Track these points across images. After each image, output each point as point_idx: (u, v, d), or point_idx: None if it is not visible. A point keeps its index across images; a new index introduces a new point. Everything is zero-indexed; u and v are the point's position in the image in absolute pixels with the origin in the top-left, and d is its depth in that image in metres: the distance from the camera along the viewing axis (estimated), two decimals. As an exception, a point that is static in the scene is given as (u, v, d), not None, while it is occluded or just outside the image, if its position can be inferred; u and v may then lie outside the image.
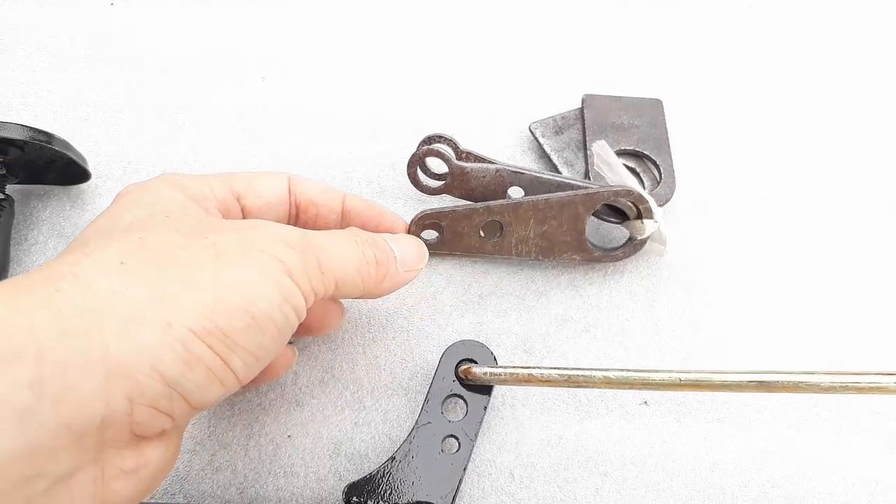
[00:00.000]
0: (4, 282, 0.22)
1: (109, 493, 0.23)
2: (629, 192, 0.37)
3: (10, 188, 0.40)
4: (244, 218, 0.32)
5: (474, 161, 0.40)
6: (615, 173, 0.38)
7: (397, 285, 0.32)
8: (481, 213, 0.38)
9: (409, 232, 0.38)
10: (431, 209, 0.38)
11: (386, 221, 0.36)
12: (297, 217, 0.34)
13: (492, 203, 0.38)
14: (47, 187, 0.43)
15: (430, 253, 0.37)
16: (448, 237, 0.39)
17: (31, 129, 0.38)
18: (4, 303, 0.21)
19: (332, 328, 0.36)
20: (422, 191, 0.40)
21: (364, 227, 0.34)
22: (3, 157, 0.40)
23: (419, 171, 0.40)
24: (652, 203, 0.37)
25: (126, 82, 0.47)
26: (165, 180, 0.30)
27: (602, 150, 0.38)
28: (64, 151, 0.40)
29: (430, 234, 0.39)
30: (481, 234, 0.39)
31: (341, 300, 0.37)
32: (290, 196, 0.33)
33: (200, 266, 0.24)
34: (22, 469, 0.20)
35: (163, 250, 0.24)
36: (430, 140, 0.40)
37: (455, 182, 0.40)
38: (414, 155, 0.39)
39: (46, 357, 0.20)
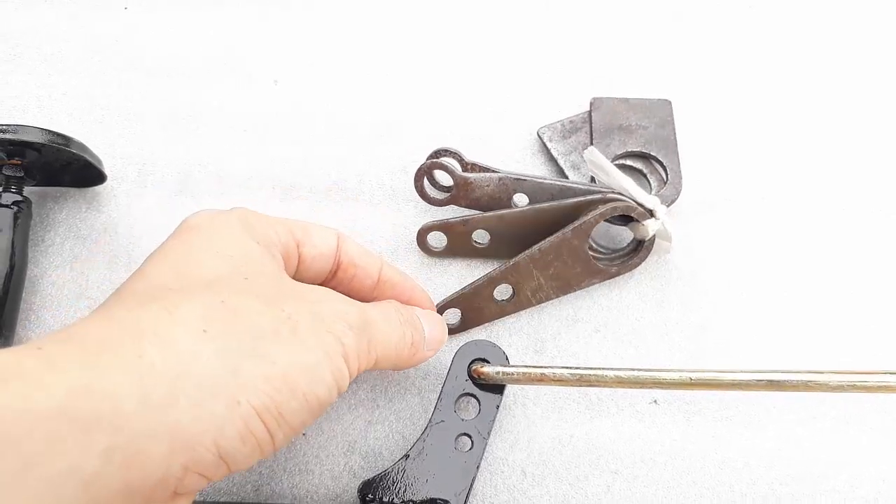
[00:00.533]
0: (84, 334, 0.23)
1: None
2: (614, 208, 0.37)
3: (28, 190, 0.41)
4: (299, 265, 0.33)
5: (479, 171, 0.41)
6: (609, 176, 0.38)
7: (419, 363, 0.34)
8: (487, 285, 0.39)
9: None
10: (445, 299, 0.39)
11: (416, 297, 0.36)
12: (335, 273, 0.34)
13: (491, 273, 0.39)
14: (63, 189, 0.44)
15: (458, 329, 0.40)
16: (470, 315, 0.40)
17: (49, 132, 0.39)
18: (88, 364, 0.21)
19: None
20: (429, 202, 0.41)
21: (397, 299, 0.35)
22: (21, 160, 0.40)
23: (426, 184, 0.41)
24: (653, 203, 0.38)
25: (140, 85, 0.47)
26: (239, 218, 0.30)
27: (593, 156, 0.39)
28: (81, 154, 0.40)
29: (455, 316, 0.40)
30: (496, 300, 0.39)
31: None
32: (336, 252, 0.34)
33: (275, 340, 0.25)
34: None
35: (243, 318, 0.25)
36: (436, 154, 0.41)
37: (460, 192, 0.41)
38: (420, 169, 0.40)
39: (123, 426, 0.21)
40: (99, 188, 0.44)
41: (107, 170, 0.42)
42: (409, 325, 0.32)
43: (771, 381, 0.32)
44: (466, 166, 0.41)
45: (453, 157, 0.41)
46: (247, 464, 0.25)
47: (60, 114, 0.46)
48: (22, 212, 0.40)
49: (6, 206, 0.40)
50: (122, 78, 0.48)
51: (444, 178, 0.40)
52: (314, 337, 0.26)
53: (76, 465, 0.20)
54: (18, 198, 0.40)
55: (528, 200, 0.41)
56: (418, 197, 0.44)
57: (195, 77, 0.47)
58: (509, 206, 0.41)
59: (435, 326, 0.34)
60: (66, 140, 0.40)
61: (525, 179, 0.41)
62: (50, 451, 0.19)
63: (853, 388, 0.32)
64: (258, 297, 0.26)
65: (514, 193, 0.41)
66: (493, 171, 0.41)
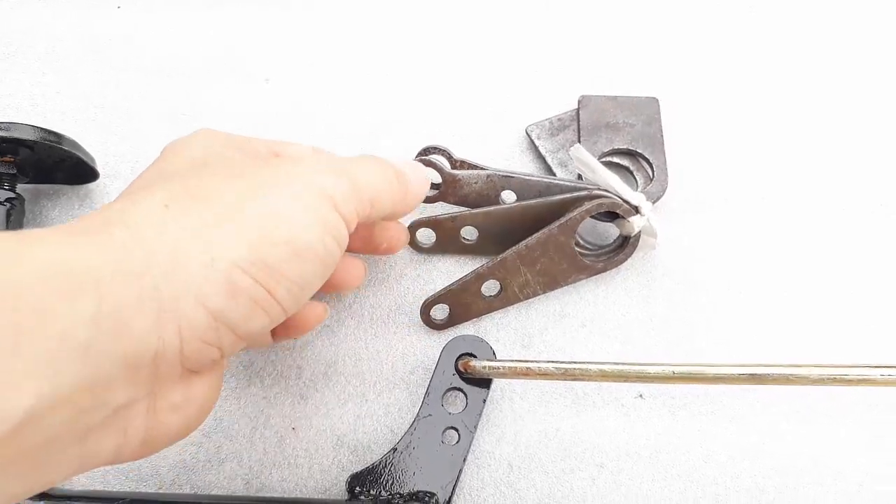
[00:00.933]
0: (56, 227, 0.23)
1: (159, 424, 0.25)
2: (599, 205, 0.38)
3: (21, 187, 0.41)
4: None
5: (468, 168, 0.41)
6: (595, 174, 0.39)
7: (417, 199, 0.33)
8: (475, 281, 0.39)
9: (421, 314, 0.40)
10: (433, 295, 0.39)
11: (392, 226, 0.38)
12: None
13: (478, 269, 0.39)
14: (56, 186, 0.44)
15: (446, 325, 0.40)
16: (458, 311, 0.40)
17: (41, 129, 0.39)
18: (63, 242, 0.22)
19: (354, 286, 0.37)
20: None
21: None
22: (14, 157, 0.41)
23: None
24: (639, 200, 0.38)
25: (133, 84, 0.48)
26: (208, 132, 0.31)
27: (579, 153, 0.39)
28: (73, 151, 0.41)
29: (443, 312, 0.40)
30: (484, 296, 0.40)
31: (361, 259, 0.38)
32: None
33: (242, 201, 0.25)
34: (84, 399, 0.21)
35: (205, 190, 0.25)
36: (426, 151, 0.41)
37: (449, 190, 0.41)
38: None
39: (104, 294, 0.21)
40: (92, 185, 0.44)
41: (100, 167, 0.43)
42: (387, 166, 0.31)
43: (753, 374, 0.33)
44: (455, 163, 0.42)
45: (442, 155, 0.41)
46: (254, 326, 0.25)
47: (54, 112, 0.47)
48: (15, 209, 0.40)
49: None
50: (116, 76, 0.48)
51: (433, 175, 0.41)
52: (289, 187, 0.26)
53: (67, 333, 0.20)
54: (11, 195, 0.40)
55: (515, 197, 0.42)
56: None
57: (188, 75, 0.48)
58: (497, 203, 0.42)
59: (413, 168, 0.34)
60: (59, 137, 0.40)
61: (513, 177, 0.41)
62: (39, 319, 0.20)
63: (834, 381, 0.32)
64: (219, 173, 0.26)
65: (502, 190, 0.42)
66: (482, 169, 0.41)
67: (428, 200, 0.42)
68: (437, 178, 0.41)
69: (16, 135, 0.39)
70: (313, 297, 0.29)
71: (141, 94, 0.47)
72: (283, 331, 0.36)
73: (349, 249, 0.37)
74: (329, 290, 0.38)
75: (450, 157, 0.42)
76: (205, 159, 0.29)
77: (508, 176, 0.41)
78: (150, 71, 0.48)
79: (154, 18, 0.50)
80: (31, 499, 0.35)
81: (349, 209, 0.27)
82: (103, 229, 0.23)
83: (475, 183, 0.41)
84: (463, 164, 0.42)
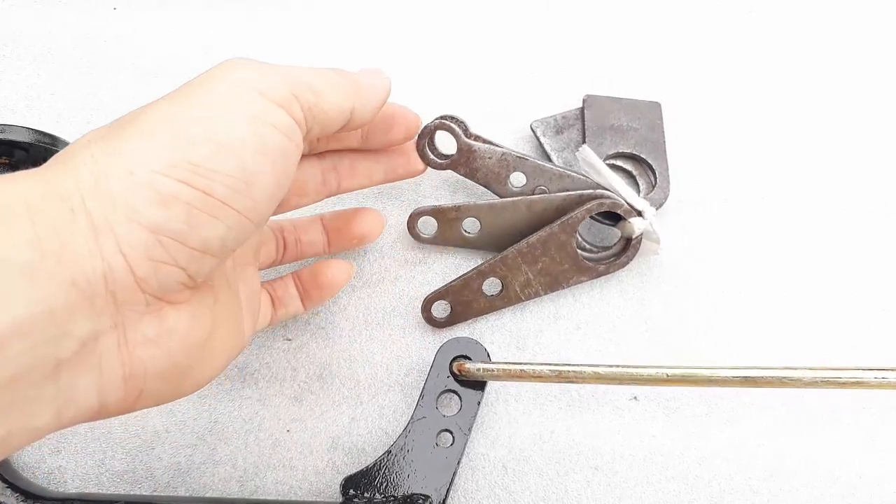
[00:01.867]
0: None
1: (137, 360, 0.24)
2: (601, 204, 0.38)
3: (16, 189, 0.41)
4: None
5: (483, 143, 0.41)
6: (601, 176, 0.39)
7: (374, 92, 0.31)
8: (476, 278, 0.39)
9: (422, 310, 0.40)
10: (435, 290, 0.40)
11: (398, 111, 0.37)
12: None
13: (480, 266, 0.39)
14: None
15: (447, 323, 0.40)
16: (459, 309, 0.40)
17: (36, 131, 0.39)
18: None
19: (373, 236, 0.39)
20: (428, 164, 0.40)
21: (382, 118, 0.36)
22: (9, 159, 0.40)
23: (427, 145, 0.40)
24: (643, 205, 0.38)
25: (128, 85, 0.48)
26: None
27: (586, 155, 0.39)
28: (68, 153, 0.41)
29: (444, 310, 0.40)
30: (485, 294, 0.40)
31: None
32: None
33: (162, 114, 0.24)
34: (46, 328, 0.21)
35: (128, 117, 0.25)
36: (443, 118, 0.40)
37: (462, 159, 0.40)
38: (426, 127, 0.39)
39: (37, 217, 0.21)
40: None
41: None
42: (322, 68, 0.30)
43: (747, 377, 0.33)
44: (471, 136, 0.41)
45: (459, 126, 0.41)
46: (206, 233, 0.24)
47: (49, 113, 0.47)
48: (9, 210, 0.40)
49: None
50: (110, 78, 0.48)
51: (445, 144, 0.40)
52: (207, 87, 0.25)
53: (8, 257, 0.20)
54: (6, 196, 0.40)
55: (525, 181, 0.41)
56: (405, 194, 0.44)
57: (183, 76, 0.47)
58: (507, 185, 0.41)
59: (364, 70, 0.32)
60: (53, 139, 0.40)
61: (527, 160, 0.41)
62: None
63: (826, 384, 0.32)
64: (153, 102, 0.26)
65: (513, 171, 0.41)
66: (497, 146, 0.41)
67: (439, 167, 0.40)
68: (453, 147, 0.40)
69: (11, 137, 0.39)
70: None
71: (136, 96, 0.47)
72: (311, 293, 0.37)
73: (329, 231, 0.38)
74: (351, 243, 0.39)
75: (465, 130, 0.41)
76: None
77: (523, 158, 0.41)
78: (145, 72, 0.48)
79: (149, 20, 0.50)
80: (23, 501, 0.35)
81: (282, 93, 0.26)
82: (33, 171, 0.23)
83: (489, 158, 0.41)
84: (478, 139, 0.41)
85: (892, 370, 0.32)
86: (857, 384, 0.32)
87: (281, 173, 0.26)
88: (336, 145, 0.36)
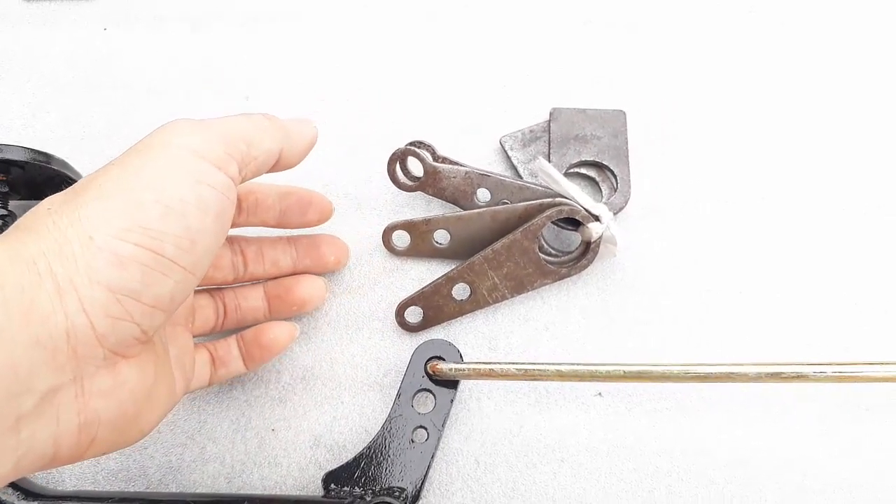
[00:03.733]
0: None
1: (91, 411, 0.26)
2: (559, 211, 0.40)
3: (12, 204, 0.44)
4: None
5: (449, 164, 0.44)
6: (559, 185, 0.41)
7: (304, 138, 0.34)
8: (446, 284, 0.42)
9: (396, 315, 0.43)
10: (407, 297, 0.42)
11: (315, 197, 0.41)
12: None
13: (449, 272, 0.42)
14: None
15: (420, 328, 0.43)
16: (430, 314, 0.42)
17: (32, 150, 0.41)
18: None
19: (316, 303, 0.41)
20: (399, 187, 0.44)
21: (299, 201, 0.40)
22: (6, 176, 0.43)
23: (398, 170, 0.44)
24: (599, 210, 0.40)
25: (119, 103, 0.50)
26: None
27: (542, 166, 0.42)
28: (62, 170, 0.43)
29: (416, 315, 0.43)
30: (455, 299, 0.42)
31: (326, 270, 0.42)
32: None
33: (112, 180, 0.26)
34: (10, 385, 0.23)
35: (83, 184, 0.27)
36: (411, 144, 0.44)
37: (428, 180, 0.43)
38: (394, 153, 0.43)
39: (5, 280, 0.23)
40: (81, 201, 0.46)
41: (88, 184, 0.45)
42: (252, 114, 0.32)
43: (696, 374, 0.35)
44: (438, 159, 0.44)
45: (427, 150, 0.44)
46: (158, 289, 0.26)
47: (44, 131, 0.49)
48: (7, 225, 0.43)
49: (-7, 218, 0.42)
50: (103, 96, 0.50)
51: (415, 167, 0.43)
52: (150, 153, 0.27)
53: None
54: (4, 212, 0.43)
55: (490, 196, 0.44)
56: (382, 205, 0.46)
57: (171, 94, 0.50)
58: (473, 200, 0.44)
59: (299, 120, 0.35)
60: (48, 157, 0.42)
61: (489, 176, 0.44)
62: None
63: (770, 378, 0.35)
64: (103, 167, 0.28)
65: (478, 188, 0.44)
66: (461, 166, 0.44)
67: (408, 189, 0.44)
68: (420, 169, 0.43)
69: (7, 156, 0.41)
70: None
71: (126, 113, 0.50)
72: (253, 354, 0.38)
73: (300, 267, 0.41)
74: (291, 310, 0.40)
75: (433, 153, 0.44)
76: None
77: (485, 175, 0.44)
78: (134, 90, 0.50)
79: (138, 40, 0.52)
80: (23, 499, 0.37)
81: (217, 153, 0.28)
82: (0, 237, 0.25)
83: (454, 177, 0.44)
84: (445, 160, 0.44)
85: (829, 364, 0.35)
86: (799, 378, 0.35)
87: (219, 229, 0.29)
88: (255, 221, 0.39)
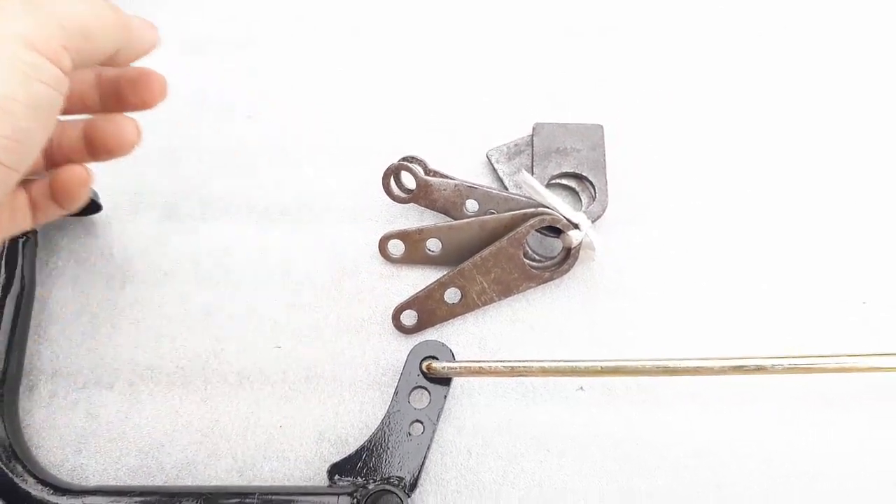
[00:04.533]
0: None
1: None
2: (541, 220, 0.44)
3: (33, 221, 0.47)
4: None
5: (440, 177, 0.47)
6: (541, 196, 0.45)
7: (146, 46, 0.32)
8: (438, 289, 0.45)
9: (392, 319, 0.46)
10: (403, 301, 0.46)
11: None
12: None
13: (441, 278, 0.45)
14: (64, 218, 0.49)
15: (415, 329, 0.45)
16: (424, 317, 0.46)
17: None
18: None
19: (129, 147, 0.35)
20: (393, 199, 0.47)
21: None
22: (27, 195, 0.46)
23: (392, 183, 0.47)
24: (578, 218, 0.44)
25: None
26: None
27: (525, 178, 0.45)
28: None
29: (411, 318, 0.46)
30: (447, 302, 0.46)
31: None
32: None
33: None
34: None
35: None
36: (404, 159, 0.47)
37: (421, 193, 0.47)
38: (389, 168, 0.46)
39: None
40: (95, 217, 0.49)
41: (102, 200, 0.48)
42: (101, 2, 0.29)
43: (667, 367, 0.39)
44: (429, 172, 0.48)
45: (419, 164, 0.47)
46: None
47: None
48: (29, 240, 0.46)
49: (16, 235, 0.45)
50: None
51: (408, 180, 0.47)
52: None
53: None
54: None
55: (478, 206, 0.47)
56: (378, 215, 0.50)
57: (177, 114, 0.53)
58: (462, 211, 0.47)
59: (143, 23, 0.32)
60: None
61: (476, 188, 0.47)
62: None
63: (734, 370, 0.38)
64: None
65: (467, 199, 0.47)
66: (451, 179, 0.47)
67: (402, 201, 0.47)
68: (413, 183, 0.46)
69: (29, 177, 0.44)
70: None
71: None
72: (46, 204, 0.34)
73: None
74: (102, 156, 0.35)
75: (425, 167, 0.48)
76: None
77: (473, 187, 0.47)
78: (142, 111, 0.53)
79: (142, 61, 0.55)
80: (52, 494, 0.40)
81: (53, 45, 0.26)
82: None
83: (444, 190, 0.47)
84: (436, 174, 0.48)
85: (786, 357, 0.38)
86: (758, 370, 0.38)
87: (48, 125, 0.27)
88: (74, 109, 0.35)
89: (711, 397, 0.44)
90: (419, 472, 0.41)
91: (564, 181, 0.51)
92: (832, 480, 0.42)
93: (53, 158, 0.35)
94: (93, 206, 0.48)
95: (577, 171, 0.51)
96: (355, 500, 0.39)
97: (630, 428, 0.43)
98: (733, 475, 0.42)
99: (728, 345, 0.45)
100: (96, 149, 0.35)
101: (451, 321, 0.46)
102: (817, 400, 0.43)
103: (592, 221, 0.47)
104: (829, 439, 0.43)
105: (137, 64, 0.34)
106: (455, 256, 0.47)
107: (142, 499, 0.40)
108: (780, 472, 0.42)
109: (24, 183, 0.34)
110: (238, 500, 0.40)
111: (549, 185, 0.50)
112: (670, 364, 0.39)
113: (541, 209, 0.45)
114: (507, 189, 0.51)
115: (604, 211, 0.49)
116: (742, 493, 0.41)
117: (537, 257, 0.48)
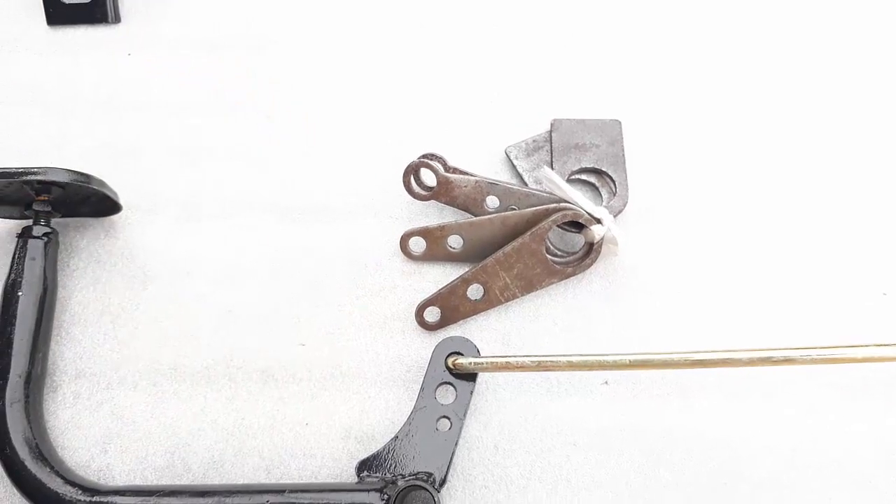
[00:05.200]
0: None
1: None
2: (564, 215, 0.44)
3: (54, 222, 0.47)
4: None
5: (460, 174, 0.47)
6: (562, 191, 0.45)
7: None
8: (461, 285, 0.45)
9: (415, 316, 0.45)
10: (426, 298, 0.46)
11: None
12: None
13: (463, 275, 0.46)
14: (83, 219, 0.49)
15: (438, 326, 0.46)
16: (447, 314, 0.46)
17: (73, 171, 0.44)
18: None
19: None
20: (413, 196, 0.47)
21: None
22: (48, 196, 0.46)
23: (412, 181, 0.47)
24: (601, 213, 0.44)
25: (146, 124, 0.53)
26: None
27: (547, 174, 0.46)
28: (100, 189, 0.46)
29: (434, 315, 0.46)
30: (470, 299, 0.46)
31: None
32: None
33: None
34: None
35: None
36: (424, 156, 0.47)
37: (441, 189, 0.47)
38: (409, 166, 0.46)
39: None
40: (114, 217, 0.49)
41: (121, 201, 0.48)
42: None
43: (695, 360, 0.39)
44: (449, 169, 0.48)
45: (438, 161, 0.47)
46: None
47: (77, 152, 0.52)
48: (51, 241, 0.46)
49: (37, 237, 0.45)
50: (130, 118, 0.53)
51: (428, 177, 0.47)
52: None
53: None
54: (48, 229, 0.46)
55: (499, 203, 0.47)
56: (398, 213, 0.50)
57: (195, 115, 0.53)
58: (483, 207, 0.47)
59: None
60: (87, 177, 0.45)
61: (497, 184, 0.47)
62: None
63: (762, 362, 0.38)
64: None
65: (487, 196, 0.47)
66: (471, 175, 0.47)
67: (422, 198, 0.47)
68: (433, 180, 0.46)
69: (51, 177, 0.44)
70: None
71: (153, 133, 0.53)
72: None
73: None
74: None
75: (444, 164, 0.48)
76: None
77: (493, 183, 0.47)
78: (160, 112, 0.53)
79: (161, 63, 0.55)
80: (81, 494, 0.40)
81: None
82: None
83: (465, 186, 0.47)
84: (455, 171, 0.48)
85: (815, 348, 0.38)
86: (787, 361, 0.38)
87: None
88: None
89: (736, 389, 0.44)
90: (448, 468, 0.41)
91: (584, 177, 0.51)
92: (858, 468, 0.42)
93: None
94: (112, 206, 0.48)
95: (596, 167, 0.51)
96: (385, 496, 0.39)
97: (656, 421, 0.43)
98: (760, 465, 0.42)
99: (749, 337, 0.45)
100: None
101: (473, 317, 0.47)
102: (841, 390, 0.44)
103: (614, 216, 0.47)
104: (854, 428, 0.43)
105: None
106: (477, 253, 0.47)
107: (170, 498, 0.40)
108: (805, 461, 0.42)
109: None
110: (267, 497, 0.39)
111: (569, 181, 0.50)
112: (699, 357, 0.39)
113: (563, 205, 0.46)
114: (526, 185, 0.51)
115: (624, 206, 0.49)
116: (768, 482, 0.42)
117: (559, 253, 0.48)
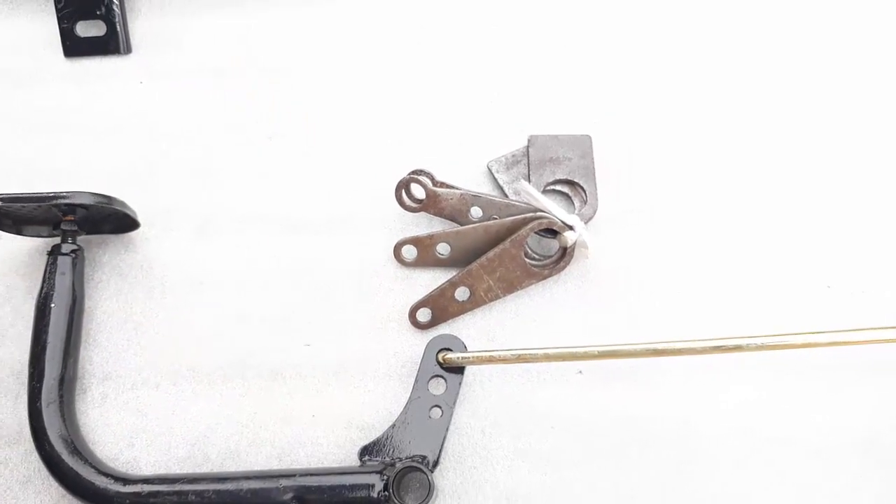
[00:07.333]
0: None
1: None
2: (540, 223, 0.49)
3: (80, 239, 0.51)
4: None
5: (446, 188, 0.52)
6: (538, 202, 0.50)
7: None
8: (449, 288, 0.51)
9: (409, 316, 0.50)
10: (418, 300, 0.50)
11: None
12: None
13: (451, 278, 0.51)
14: (105, 236, 0.54)
15: (429, 325, 0.50)
16: (437, 314, 0.51)
17: (97, 194, 0.49)
18: None
19: None
20: (405, 209, 0.53)
21: None
22: (73, 217, 0.51)
23: (404, 195, 0.52)
24: (572, 220, 0.49)
25: (159, 147, 0.57)
26: None
27: (524, 187, 0.51)
28: (121, 209, 0.51)
29: (426, 315, 0.51)
30: (457, 300, 0.51)
31: None
32: None
33: None
34: None
35: None
36: (413, 172, 0.52)
37: (430, 202, 0.52)
38: (400, 181, 0.52)
39: None
40: (133, 234, 0.54)
41: (139, 218, 0.53)
42: None
43: (656, 349, 0.44)
44: (436, 184, 0.53)
45: (427, 176, 0.52)
46: None
47: (99, 174, 0.56)
48: (77, 258, 0.51)
49: (66, 254, 0.50)
50: (145, 142, 0.57)
51: (418, 191, 0.52)
52: None
53: None
54: (74, 247, 0.51)
55: (482, 213, 0.53)
56: (390, 226, 0.55)
57: (203, 137, 0.58)
58: (468, 217, 0.53)
59: None
60: (109, 199, 0.50)
61: (480, 196, 0.53)
62: None
63: (715, 350, 0.44)
64: None
65: (472, 207, 0.53)
66: (457, 189, 0.53)
67: (413, 210, 0.52)
68: (422, 193, 0.52)
69: (78, 200, 0.49)
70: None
71: (166, 155, 0.57)
72: None
73: None
74: None
75: (432, 179, 0.53)
76: None
77: (477, 195, 0.53)
78: (171, 135, 0.58)
79: (171, 90, 0.60)
80: (113, 483, 0.45)
81: None
82: None
83: (451, 199, 0.52)
84: (443, 185, 0.53)
85: (760, 336, 0.44)
86: (737, 349, 0.44)
87: None
88: None
89: (695, 376, 0.49)
90: (440, 451, 0.46)
91: (558, 187, 0.56)
92: (804, 443, 0.47)
93: None
94: (131, 224, 0.53)
95: (569, 178, 0.56)
96: (385, 477, 0.44)
97: (624, 405, 0.48)
98: (717, 444, 0.47)
99: (706, 329, 0.49)
100: None
101: (461, 317, 0.52)
102: (789, 375, 0.49)
103: (585, 223, 0.52)
104: (802, 408, 0.48)
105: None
106: (463, 258, 0.52)
107: (193, 485, 0.45)
108: (758, 437, 0.47)
109: None
110: (281, 481, 0.44)
111: (544, 192, 0.55)
112: (659, 346, 0.44)
113: (539, 213, 0.51)
114: (507, 196, 0.56)
115: (594, 213, 0.54)
116: (725, 460, 0.47)
117: (537, 257, 0.53)
